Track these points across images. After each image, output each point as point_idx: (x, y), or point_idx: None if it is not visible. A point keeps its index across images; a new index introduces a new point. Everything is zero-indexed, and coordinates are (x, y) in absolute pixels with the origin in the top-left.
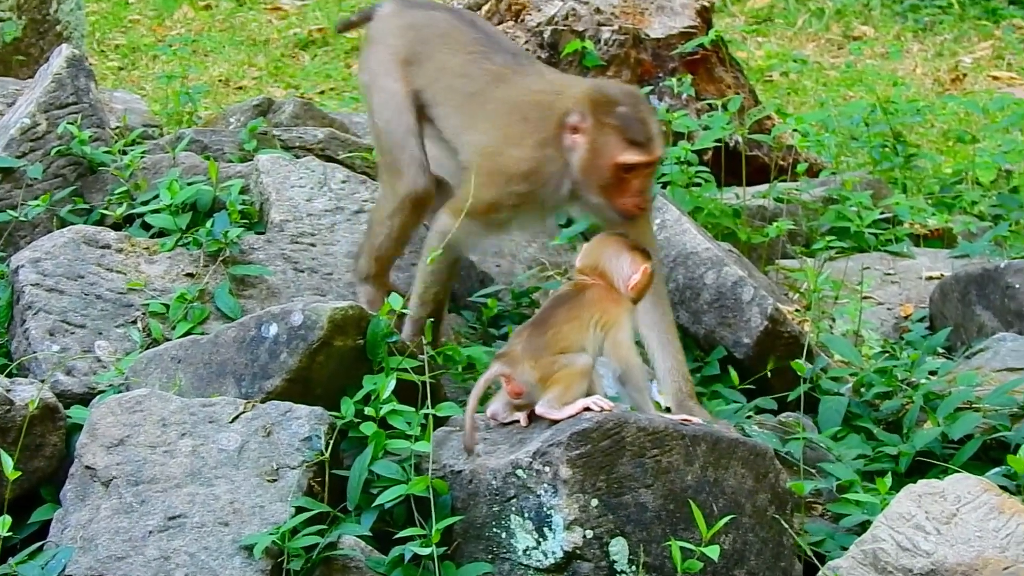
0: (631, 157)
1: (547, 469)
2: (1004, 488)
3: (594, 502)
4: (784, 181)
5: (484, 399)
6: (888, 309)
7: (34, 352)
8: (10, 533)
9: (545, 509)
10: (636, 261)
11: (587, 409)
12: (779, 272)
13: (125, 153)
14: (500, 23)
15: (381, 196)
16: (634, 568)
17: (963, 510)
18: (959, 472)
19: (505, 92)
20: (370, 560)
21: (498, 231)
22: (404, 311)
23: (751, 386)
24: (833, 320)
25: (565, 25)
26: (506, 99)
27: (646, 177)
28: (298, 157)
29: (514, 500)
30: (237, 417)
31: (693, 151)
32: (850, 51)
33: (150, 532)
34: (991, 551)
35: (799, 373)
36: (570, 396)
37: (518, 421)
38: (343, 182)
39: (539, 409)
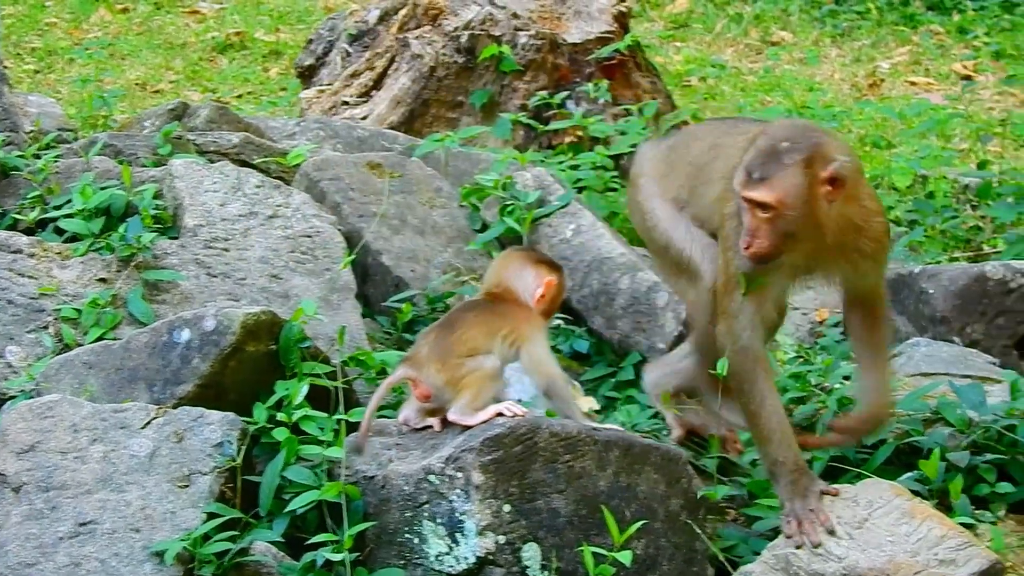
0: (736, 185)
1: (459, 474)
2: (916, 493)
3: (506, 507)
4: None
5: (396, 405)
6: (803, 314)
7: None
8: None
9: (457, 514)
10: (541, 274)
11: (500, 415)
12: None
13: (38, 157)
14: (417, 27)
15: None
16: (546, 573)
17: (875, 515)
18: (871, 477)
19: (735, 152)
20: (282, 566)
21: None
22: (315, 317)
23: None
24: None
25: (482, 30)
26: (733, 154)
27: (757, 219)
28: (212, 162)
29: (426, 505)
30: (149, 423)
31: (609, 156)
32: (768, 56)
33: (61, 538)
34: (902, 556)
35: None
36: (481, 401)
37: (431, 426)
38: (257, 187)
39: (451, 415)
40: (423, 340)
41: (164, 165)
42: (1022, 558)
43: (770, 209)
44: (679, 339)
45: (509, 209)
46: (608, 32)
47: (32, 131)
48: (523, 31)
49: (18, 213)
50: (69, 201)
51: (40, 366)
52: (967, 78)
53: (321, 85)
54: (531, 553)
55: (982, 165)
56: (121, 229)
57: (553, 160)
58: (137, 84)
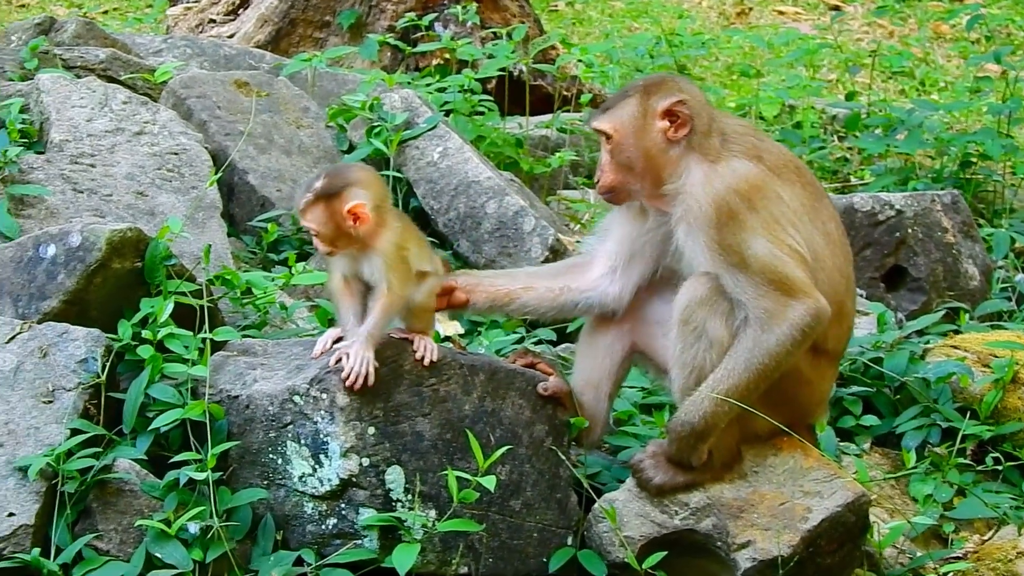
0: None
1: (324, 396)
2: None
3: (371, 430)
4: (567, 111)
5: (261, 325)
6: None
7: None
8: None
9: (321, 436)
10: None
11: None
12: (561, 202)
13: None
14: None
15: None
16: (410, 497)
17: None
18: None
19: None
20: (145, 484)
21: None
22: (181, 235)
23: None
24: None
25: None
26: None
27: (604, 152)
28: (79, 77)
29: (291, 426)
30: (13, 338)
31: (477, 80)
32: None
33: None
34: (767, 487)
35: None
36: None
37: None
38: (124, 103)
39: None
40: None
41: (31, 80)
42: (886, 491)
43: (609, 138)
44: (545, 263)
45: (376, 131)
46: None
47: None
48: None
49: None
50: None
51: None
52: (836, 8)
53: (188, 2)
54: (395, 476)
55: (850, 96)
56: None
57: (420, 82)
58: None
